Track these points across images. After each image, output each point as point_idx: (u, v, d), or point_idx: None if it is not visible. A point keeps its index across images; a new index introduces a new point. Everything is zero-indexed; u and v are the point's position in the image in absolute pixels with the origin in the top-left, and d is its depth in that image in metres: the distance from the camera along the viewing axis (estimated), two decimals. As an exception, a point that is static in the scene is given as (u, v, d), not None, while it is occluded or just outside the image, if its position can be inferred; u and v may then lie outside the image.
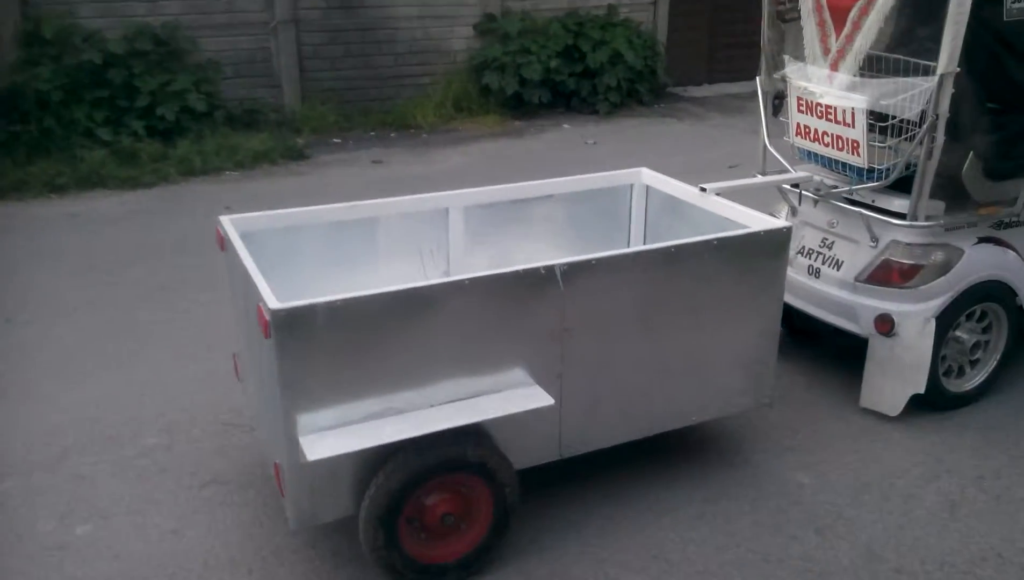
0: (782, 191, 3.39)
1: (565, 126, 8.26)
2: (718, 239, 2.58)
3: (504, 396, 2.37)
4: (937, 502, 2.79)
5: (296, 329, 2.09)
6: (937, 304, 3.06)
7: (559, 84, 8.46)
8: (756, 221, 2.76)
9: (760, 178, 3.22)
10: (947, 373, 3.25)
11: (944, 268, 3.05)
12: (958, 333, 3.19)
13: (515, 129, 8.13)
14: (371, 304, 2.17)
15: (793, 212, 3.43)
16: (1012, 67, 2.90)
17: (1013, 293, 3.21)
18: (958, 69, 2.78)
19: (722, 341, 2.70)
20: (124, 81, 6.69)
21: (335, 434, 2.19)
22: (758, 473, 2.94)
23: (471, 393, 2.37)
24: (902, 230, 3.04)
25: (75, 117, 6.49)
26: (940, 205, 3.06)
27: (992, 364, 3.30)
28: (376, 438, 2.19)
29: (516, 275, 2.32)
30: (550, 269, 2.35)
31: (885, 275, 3.10)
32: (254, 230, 2.71)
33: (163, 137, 6.78)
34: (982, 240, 3.14)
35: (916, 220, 2.94)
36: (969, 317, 3.20)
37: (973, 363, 3.29)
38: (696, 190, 3.02)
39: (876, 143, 2.96)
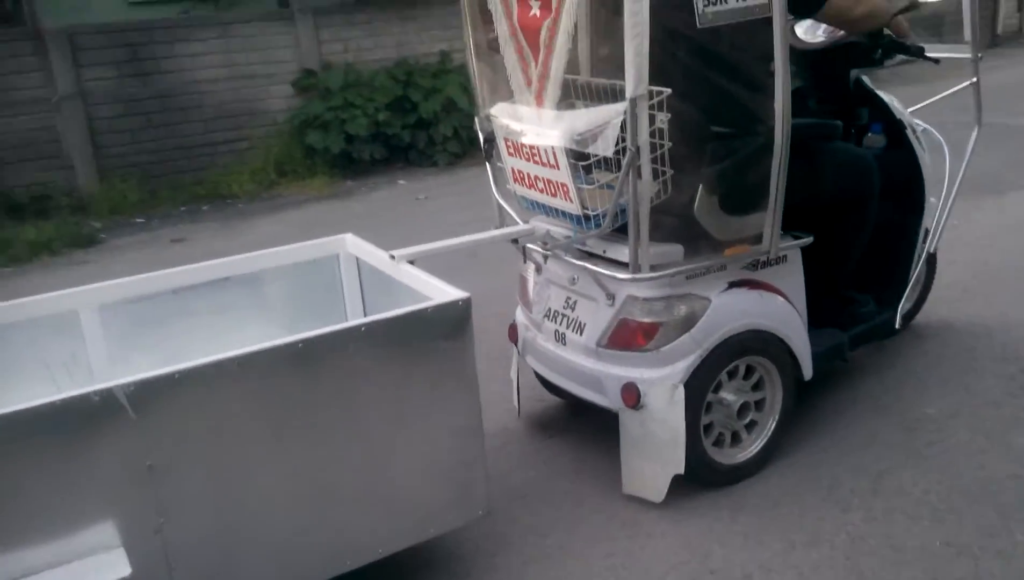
0: (525, 248, 2.89)
1: (400, 182, 7.76)
2: (366, 325, 2.05)
3: (62, 572, 1.77)
4: (695, 614, 2.28)
5: None
6: (684, 366, 2.59)
7: (392, 138, 7.97)
8: (437, 293, 2.24)
9: (464, 238, 2.71)
10: (718, 442, 2.77)
11: (687, 323, 2.58)
12: (722, 394, 2.73)
13: (345, 190, 7.60)
14: None
15: (538, 270, 2.95)
16: (723, 82, 2.49)
17: (781, 342, 2.76)
18: (668, 90, 2.36)
19: (403, 449, 2.16)
20: None
21: None
22: (488, 599, 2.40)
23: (39, 564, 1.78)
24: (636, 284, 2.56)
25: None
26: (678, 249, 2.60)
27: (771, 426, 2.84)
28: None
29: (54, 408, 1.74)
30: (109, 394, 1.78)
31: (624, 337, 2.62)
32: None
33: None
34: (733, 285, 2.69)
35: (639, 271, 2.47)
36: (733, 375, 2.74)
37: (750, 427, 2.83)
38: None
39: (584, 185, 2.50)
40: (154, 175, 7.33)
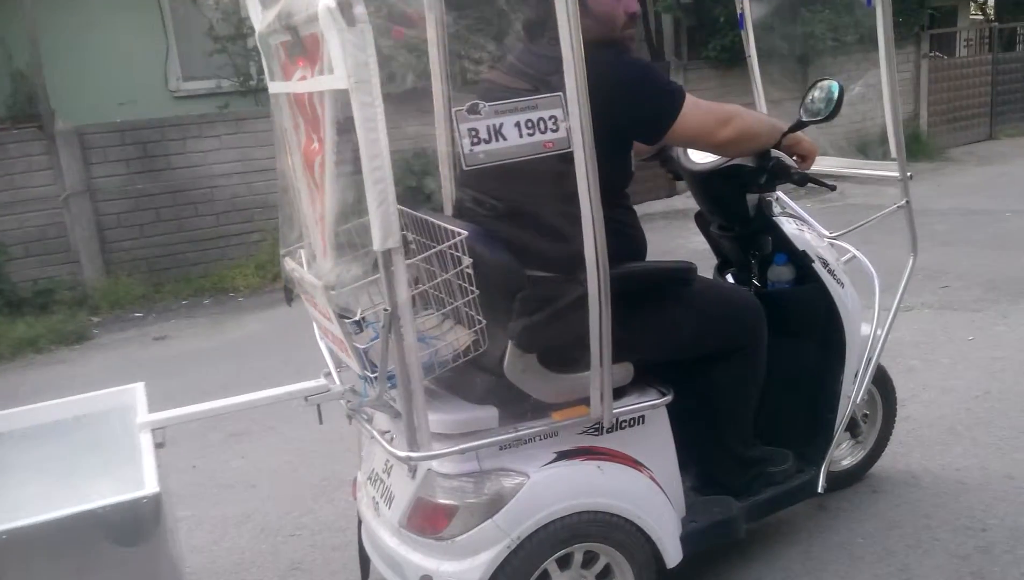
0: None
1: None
2: (8, 532, 1.71)
3: None
4: None
5: None
6: (487, 559, 2.14)
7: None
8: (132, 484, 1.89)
9: (238, 399, 2.35)
10: (557, 645, 2.29)
11: (491, 507, 2.14)
12: (551, 590, 2.26)
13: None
14: None
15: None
16: (532, 220, 2.11)
17: (630, 524, 2.28)
18: (463, 233, 2.00)
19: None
20: None
21: None
22: None
23: None
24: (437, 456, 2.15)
25: None
26: (491, 414, 2.19)
27: (625, 624, 2.35)
28: None
29: None
30: None
31: (421, 520, 2.20)
32: None
33: (-81, 330, 6.14)
34: (563, 456, 2.24)
35: (417, 447, 2.04)
36: (566, 564, 2.28)
37: (598, 625, 2.34)
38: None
39: (363, 343, 2.13)
40: (161, 268, 7.35)
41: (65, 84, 7.48)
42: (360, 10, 1.74)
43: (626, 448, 2.33)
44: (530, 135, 1.97)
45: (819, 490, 2.72)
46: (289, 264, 2.39)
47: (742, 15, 3.01)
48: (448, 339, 2.23)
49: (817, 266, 2.64)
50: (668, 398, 2.35)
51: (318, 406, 2.37)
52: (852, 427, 2.91)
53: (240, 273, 7.40)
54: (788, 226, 2.65)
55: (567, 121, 1.95)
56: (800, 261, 2.66)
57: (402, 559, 2.26)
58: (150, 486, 1.81)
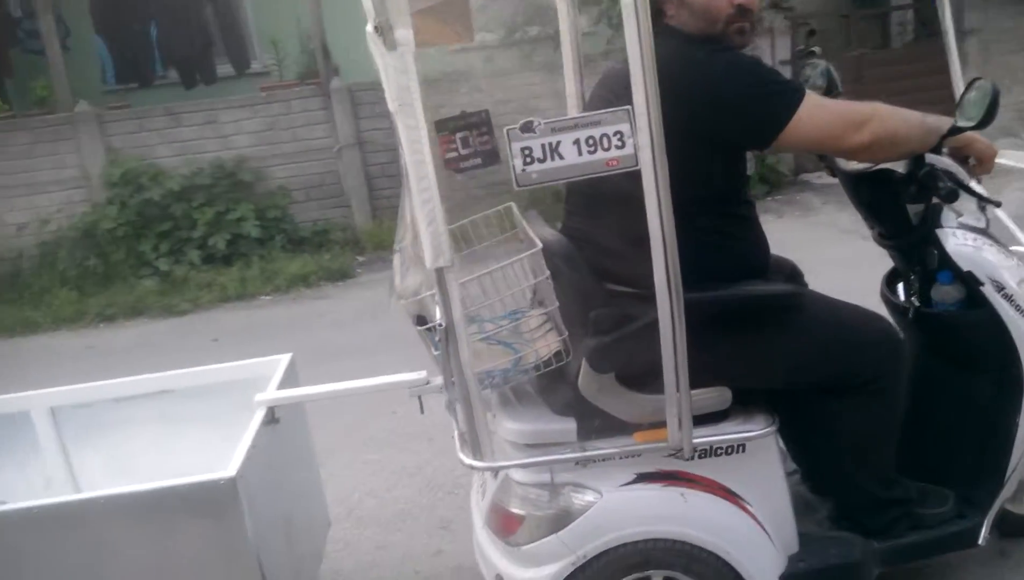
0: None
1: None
2: (108, 498, 1.99)
3: None
4: None
5: None
6: (551, 573, 2.12)
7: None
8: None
9: (347, 384, 2.47)
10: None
11: (557, 522, 2.11)
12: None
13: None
14: None
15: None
16: (614, 234, 2.01)
17: (714, 557, 2.14)
18: (539, 244, 1.97)
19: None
20: (185, 213, 7.20)
21: None
22: None
23: None
24: (517, 460, 2.17)
25: (141, 250, 7.09)
26: (570, 426, 2.15)
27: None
28: None
29: None
30: None
31: (495, 522, 2.23)
32: None
33: (223, 262, 7.17)
34: (643, 478, 2.14)
35: (480, 457, 2.07)
36: (647, 589, 2.19)
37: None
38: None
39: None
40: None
41: (345, 44, 8.15)
42: (402, 33, 1.73)
43: (720, 476, 2.17)
44: (591, 152, 1.85)
45: (979, 541, 2.35)
46: (396, 261, 2.48)
47: (937, -17, 2.55)
48: (537, 346, 2.22)
49: (987, 290, 2.22)
50: (772, 429, 2.15)
51: (419, 397, 2.48)
52: None
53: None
54: (954, 240, 2.25)
55: (635, 136, 1.82)
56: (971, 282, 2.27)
57: (485, 554, 2.32)
58: (231, 469, 2.03)
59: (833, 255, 5.09)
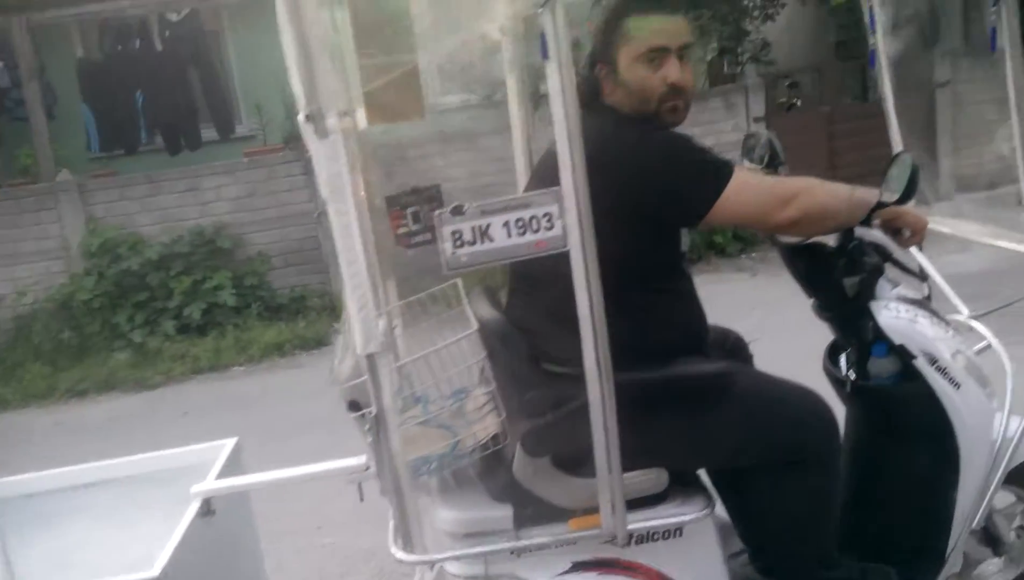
0: None
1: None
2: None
3: None
4: None
5: None
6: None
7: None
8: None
9: (286, 472, 2.44)
10: None
11: (485, 617, 2.07)
12: None
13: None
14: None
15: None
16: (546, 314, 2.00)
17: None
18: (474, 326, 1.95)
19: None
20: (161, 283, 7.20)
21: None
22: None
23: None
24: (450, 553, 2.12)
25: (116, 322, 7.08)
26: (506, 513, 2.11)
27: None
28: None
29: None
30: None
31: (430, 618, 2.18)
32: None
33: (198, 333, 7.15)
34: (578, 567, 2.09)
35: (412, 550, 2.01)
36: None
37: None
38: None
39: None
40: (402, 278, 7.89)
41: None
42: (332, 122, 1.74)
43: (657, 563, 2.12)
44: (521, 234, 1.85)
45: (925, 622, 2.30)
46: (338, 343, 2.46)
47: (873, 52, 2.59)
48: (475, 428, 2.19)
49: (920, 363, 2.20)
50: (708, 511, 2.11)
51: (359, 484, 2.44)
52: (994, 543, 2.43)
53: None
54: (887, 313, 2.24)
55: (564, 217, 1.81)
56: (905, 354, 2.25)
57: (421, 648, 2.26)
58: (156, 568, 1.98)
59: (809, 315, 5.07)
